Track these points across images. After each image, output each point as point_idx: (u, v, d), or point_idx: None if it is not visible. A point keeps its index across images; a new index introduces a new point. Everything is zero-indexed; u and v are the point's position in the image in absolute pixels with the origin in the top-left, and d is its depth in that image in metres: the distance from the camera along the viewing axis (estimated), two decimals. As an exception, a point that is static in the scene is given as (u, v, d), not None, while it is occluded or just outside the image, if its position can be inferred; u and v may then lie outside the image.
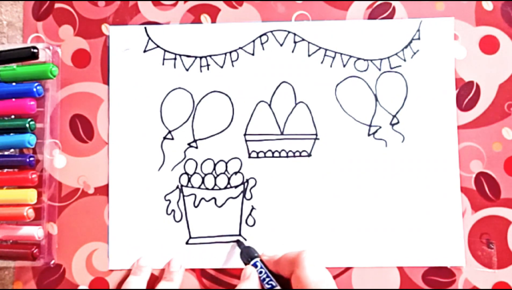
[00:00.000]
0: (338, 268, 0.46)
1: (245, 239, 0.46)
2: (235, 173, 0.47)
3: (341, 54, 0.48)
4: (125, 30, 0.48)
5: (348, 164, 0.47)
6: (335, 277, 0.46)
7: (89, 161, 0.47)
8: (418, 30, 0.47)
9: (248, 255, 0.44)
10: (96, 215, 0.47)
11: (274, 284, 0.41)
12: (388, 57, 0.47)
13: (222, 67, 0.48)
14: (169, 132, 0.47)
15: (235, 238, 0.46)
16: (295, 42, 0.48)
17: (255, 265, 0.43)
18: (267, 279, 0.41)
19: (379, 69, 0.47)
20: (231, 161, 0.47)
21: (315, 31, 0.48)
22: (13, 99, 0.46)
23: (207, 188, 0.47)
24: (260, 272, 0.42)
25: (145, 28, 0.48)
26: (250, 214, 0.47)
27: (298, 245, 0.46)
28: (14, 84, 0.46)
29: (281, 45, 0.48)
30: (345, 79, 0.47)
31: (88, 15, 0.48)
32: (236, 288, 0.41)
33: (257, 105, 0.47)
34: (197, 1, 0.48)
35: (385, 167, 0.47)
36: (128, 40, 0.48)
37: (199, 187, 0.47)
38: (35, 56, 0.45)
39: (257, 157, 0.47)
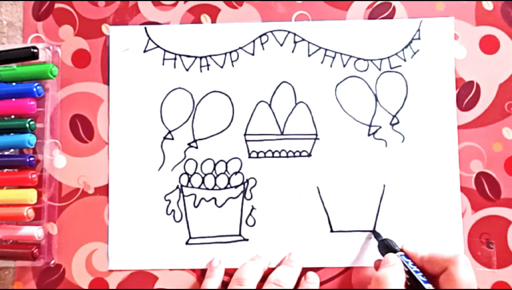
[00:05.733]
0: (338, 268, 0.46)
1: (246, 239, 0.46)
2: (235, 173, 0.47)
3: (341, 54, 0.48)
4: (125, 30, 0.48)
5: (348, 164, 0.47)
6: (335, 277, 0.46)
7: (89, 161, 0.47)
8: (418, 30, 0.47)
9: (388, 247, 0.43)
10: (96, 215, 0.47)
11: (425, 280, 0.40)
12: (388, 57, 0.47)
13: (222, 67, 0.48)
14: (169, 132, 0.47)
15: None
16: (295, 42, 0.48)
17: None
18: (417, 274, 0.40)
19: (379, 69, 0.47)
20: (231, 161, 0.47)
21: (315, 31, 0.48)
22: (13, 99, 0.46)
23: (207, 188, 0.47)
24: (407, 264, 0.41)
25: (145, 28, 0.48)
26: (250, 214, 0.47)
27: (298, 245, 0.46)
28: (14, 84, 0.46)
29: (281, 45, 0.48)
30: (345, 79, 0.47)
31: (88, 15, 0.48)
32: (379, 271, 0.40)
33: (257, 105, 0.47)
34: (197, 1, 0.48)
35: (385, 167, 0.47)
36: (128, 40, 0.48)
37: (199, 187, 0.47)
38: (35, 56, 0.45)
39: (257, 157, 0.47)
